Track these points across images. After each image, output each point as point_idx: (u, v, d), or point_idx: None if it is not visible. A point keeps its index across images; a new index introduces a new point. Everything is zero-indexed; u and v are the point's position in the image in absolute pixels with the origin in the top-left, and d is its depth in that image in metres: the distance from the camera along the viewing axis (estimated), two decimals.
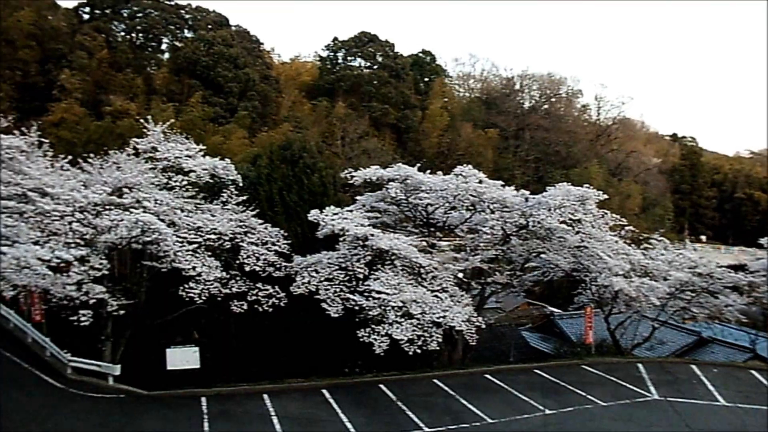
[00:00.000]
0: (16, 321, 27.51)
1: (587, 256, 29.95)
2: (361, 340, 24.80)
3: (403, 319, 24.95)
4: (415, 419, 22.54)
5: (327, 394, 24.77)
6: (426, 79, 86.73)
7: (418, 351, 25.04)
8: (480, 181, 29.75)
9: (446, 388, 25.92)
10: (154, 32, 72.74)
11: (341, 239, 27.88)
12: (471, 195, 28.96)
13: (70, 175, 26.86)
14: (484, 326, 27.81)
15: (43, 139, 30.20)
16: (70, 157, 29.25)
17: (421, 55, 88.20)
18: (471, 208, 29.93)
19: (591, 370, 29.06)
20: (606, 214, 31.11)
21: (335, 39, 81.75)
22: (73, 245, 21.47)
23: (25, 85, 55.86)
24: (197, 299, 25.74)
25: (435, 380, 26.94)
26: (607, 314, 32.65)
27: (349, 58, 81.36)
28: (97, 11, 71.89)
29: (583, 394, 25.61)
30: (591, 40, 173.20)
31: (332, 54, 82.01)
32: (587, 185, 30.93)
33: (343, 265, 27.46)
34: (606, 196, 31.33)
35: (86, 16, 71.66)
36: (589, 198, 29.79)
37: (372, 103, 74.04)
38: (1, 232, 19.14)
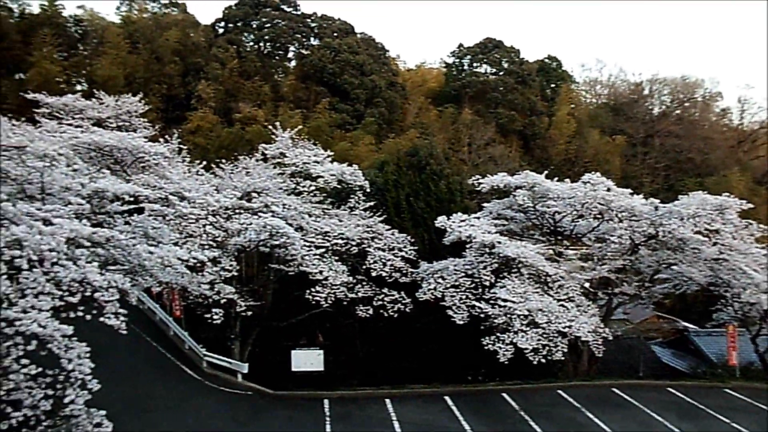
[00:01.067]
0: (161, 315, 29.47)
1: (727, 270, 27.99)
2: (486, 348, 24.59)
3: (528, 328, 24.59)
4: (539, 430, 22.07)
5: (449, 401, 24.72)
6: (552, 85, 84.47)
7: (543, 360, 24.61)
8: (608, 189, 28.83)
9: (571, 400, 25.26)
10: (281, 41, 75.23)
11: (468, 246, 27.86)
12: (599, 203, 28.09)
13: (205, 180, 28.39)
14: (610, 337, 26.86)
15: (181, 146, 32.20)
16: (204, 162, 30.96)
17: (547, 60, 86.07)
18: (599, 216, 28.98)
19: (735, 395, 27.18)
20: (751, 224, 28.98)
21: (460, 45, 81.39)
22: (206, 247, 22.55)
23: (170, 97, 59.57)
24: (323, 303, 26.38)
25: (559, 391, 26.34)
26: (754, 334, 30.28)
27: (474, 64, 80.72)
28: (230, 25, 75.56)
29: (727, 420, 23.82)
30: (735, 39, 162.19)
31: (458, 60, 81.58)
32: (726, 194, 29.03)
33: (470, 273, 27.45)
34: (751, 205, 29.24)
35: (221, 30, 75.58)
36: (729, 207, 27.97)
37: (498, 109, 72.98)
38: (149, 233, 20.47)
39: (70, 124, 33.50)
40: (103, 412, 14.28)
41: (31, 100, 38.08)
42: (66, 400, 13.64)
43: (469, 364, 28.29)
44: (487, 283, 26.89)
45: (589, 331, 25.57)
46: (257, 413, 22.94)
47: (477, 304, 26.02)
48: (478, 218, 29.50)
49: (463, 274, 27.55)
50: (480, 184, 30.97)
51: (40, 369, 13.55)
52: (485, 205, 32.12)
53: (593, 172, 29.98)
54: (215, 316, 24.02)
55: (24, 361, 13.24)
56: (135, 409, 20.83)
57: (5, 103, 44.52)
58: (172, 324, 28.62)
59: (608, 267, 28.47)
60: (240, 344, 27.53)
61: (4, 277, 13.14)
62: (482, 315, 25.61)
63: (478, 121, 67.08)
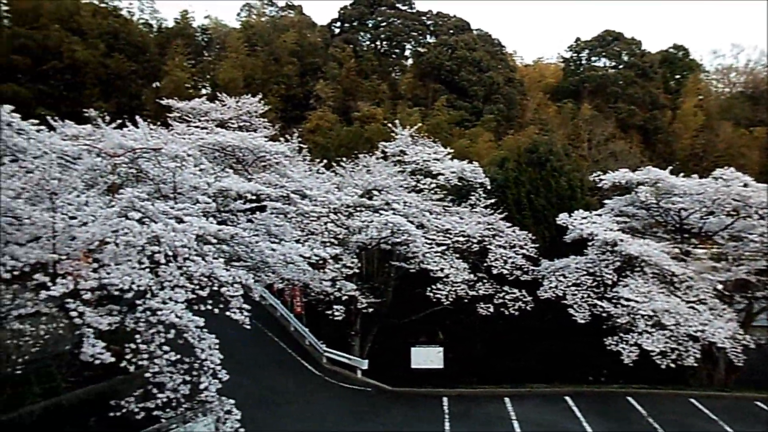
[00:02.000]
0: (282, 311, 30.37)
1: None
2: (609, 348, 23.65)
3: (654, 330, 23.46)
4: None
5: (570, 402, 24.05)
6: (677, 77, 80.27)
7: (672, 365, 23.26)
8: (745, 185, 26.85)
9: (706, 411, 23.74)
10: (397, 39, 75.93)
11: (590, 244, 26.97)
12: (733, 199, 26.29)
13: (325, 178, 28.87)
14: (752, 346, 24.94)
15: (301, 145, 32.97)
16: (324, 160, 31.55)
17: (672, 50, 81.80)
18: (733, 213, 27.14)
19: None
20: None
21: (578, 39, 79.05)
22: (328, 244, 22.84)
23: (288, 97, 61.38)
24: (444, 300, 26.25)
25: (692, 400, 24.89)
26: None
27: (593, 58, 78.29)
28: (346, 24, 77.04)
29: None
30: None
31: (575, 55, 79.37)
32: None
33: (591, 271, 26.67)
34: None
35: (337, 30, 77.18)
36: None
37: (618, 104, 70.26)
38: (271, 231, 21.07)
39: (197, 126, 35.22)
40: (233, 401, 14.82)
41: (165, 106, 40.46)
42: (201, 387, 14.35)
43: (590, 364, 27.43)
44: (610, 282, 26.01)
45: (725, 338, 23.94)
46: (376, 409, 23.10)
47: (599, 302, 25.15)
48: (600, 215, 28.45)
49: (584, 273, 26.84)
50: (601, 180, 29.88)
51: (178, 356, 14.38)
52: (607, 202, 30.93)
53: (725, 167, 28.00)
54: (336, 313, 24.42)
55: (165, 347, 14.11)
56: (258, 401, 21.57)
57: (144, 110, 47.48)
58: (293, 320, 29.37)
59: (746, 268, 26.56)
60: (360, 341, 27.88)
61: (147, 270, 13.89)
62: (605, 314, 24.73)
63: (597, 116, 64.77)
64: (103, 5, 63.27)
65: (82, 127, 28.09)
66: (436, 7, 75.82)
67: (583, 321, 25.53)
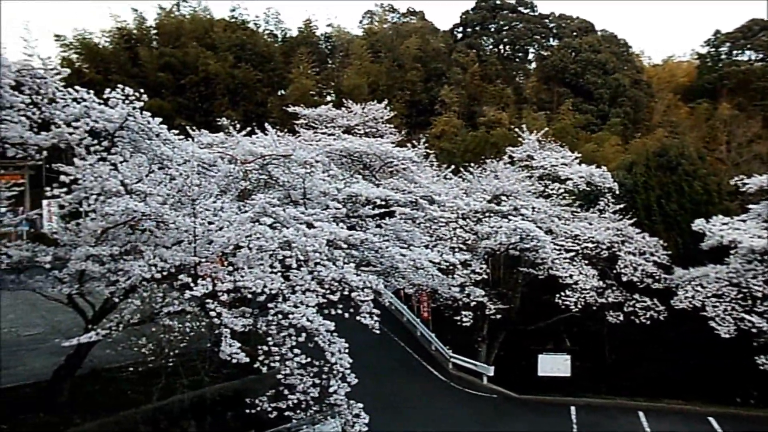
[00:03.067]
0: (408, 316, 30.43)
1: None
2: (762, 368, 21.88)
3: None
4: None
5: (714, 424, 22.48)
6: None
7: None
8: None
9: None
10: (520, 43, 74.71)
11: (732, 252, 25.08)
12: None
13: (453, 184, 28.71)
14: None
15: (428, 150, 32.96)
16: (452, 166, 31.37)
17: None
18: None
19: None
20: None
21: (717, 32, 74.12)
22: (456, 249, 22.64)
23: (413, 103, 61.52)
24: (572, 307, 25.47)
25: None
26: None
27: (734, 52, 72.91)
28: (468, 29, 76.59)
29: None
30: None
31: (713, 50, 74.37)
32: None
33: (735, 281, 24.71)
34: None
35: (459, 35, 76.88)
36: None
37: (765, 101, 65.04)
38: (401, 236, 21.09)
39: (324, 133, 36.05)
40: (361, 405, 14.89)
41: (291, 113, 41.74)
42: (330, 390, 14.54)
43: (736, 383, 25.35)
44: (759, 295, 23.99)
45: None
46: (502, 416, 22.69)
47: (747, 316, 23.35)
48: (744, 221, 26.36)
49: (727, 283, 24.93)
50: (745, 184, 27.72)
51: (308, 359, 14.64)
52: (752, 207, 28.64)
53: None
54: (465, 319, 24.15)
55: (296, 350, 14.41)
56: (385, 405, 21.52)
57: (271, 117, 49.21)
58: (420, 325, 29.34)
59: None
60: (487, 347, 27.45)
61: (279, 274, 14.23)
62: (754, 330, 22.93)
63: (739, 115, 60.26)
64: (233, 20, 66.53)
65: (216, 136, 29.48)
66: (559, 8, 73.81)
67: (727, 335, 23.73)
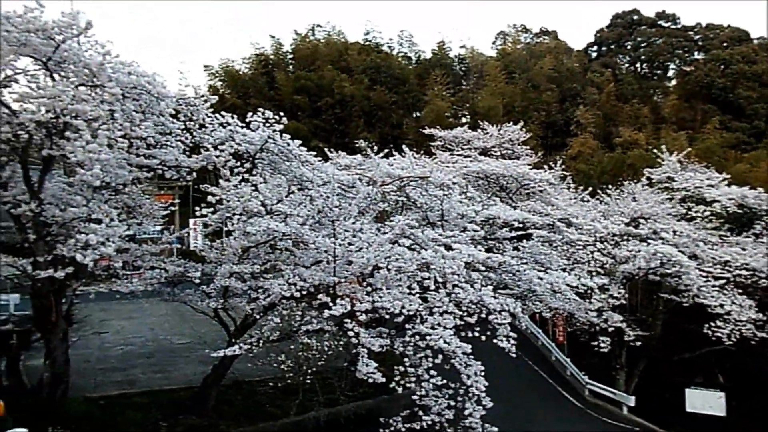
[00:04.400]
0: (543, 340, 29.75)
1: None
2: None
3: None
4: None
5: None
6: None
7: None
8: None
9: None
10: (659, 59, 71.62)
11: None
12: None
13: (590, 206, 27.94)
14: None
15: (565, 172, 32.30)
16: (589, 188, 30.54)
17: None
18: None
19: None
20: None
21: None
22: (594, 273, 21.89)
23: (548, 124, 60.48)
24: (725, 340, 23.75)
25: None
26: None
27: None
28: (603, 48, 74.44)
29: None
30: None
31: None
32: None
33: None
34: None
35: (594, 54, 74.88)
36: None
37: None
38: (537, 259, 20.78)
39: (460, 155, 36.17)
40: (496, 429, 14.66)
41: (427, 135, 42.22)
42: (465, 412, 14.39)
43: None
44: None
45: None
46: None
47: None
48: None
49: None
50: None
51: (444, 381, 14.62)
52: None
53: None
54: (602, 344, 23.28)
55: (432, 372, 14.43)
56: (519, 430, 21.09)
57: (407, 139, 50.03)
58: (554, 349, 28.60)
59: None
60: (626, 375, 26.29)
61: (417, 295, 14.38)
62: None
63: None
64: (367, 43, 68.35)
65: (353, 157, 30.35)
66: (706, 19, 69.52)
67: None
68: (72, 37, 14.48)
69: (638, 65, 72.90)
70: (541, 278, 17.81)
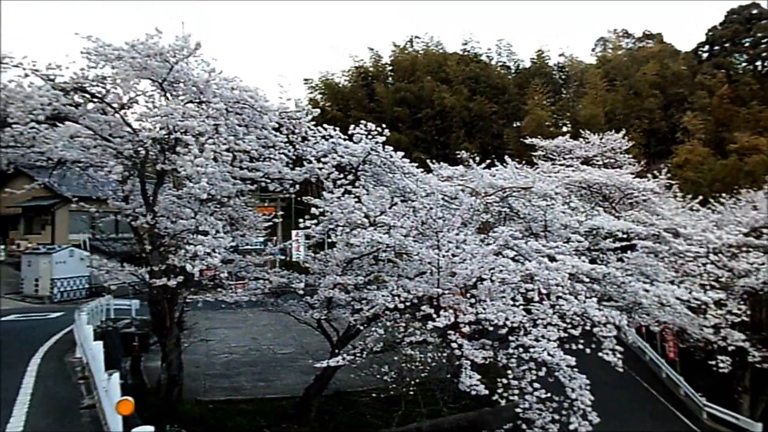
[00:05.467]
0: (651, 355, 28.55)
1: None
2: None
3: None
4: None
5: None
6: None
7: None
8: None
9: None
10: None
11: None
12: None
13: (701, 216, 26.68)
14: None
15: (671, 181, 31.08)
16: (699, 197, 29.22)
17: None
18: None
19: None
20: None
21: None
22: (708, 287, 20.82)
23: (651, 131, 58.20)
24: None
25: None
26: None
27: None
28: (715, 47, 70.37)
29: None
30: None
31: None
32: None
33: None
34: None
35: (705, 55, 71.14)
36: None
37: None
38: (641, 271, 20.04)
39: (561, 164, 35.46)
40: None
41: (528, 144, 41.68)
42: (570, 427, 14.08)
43: None
44: None
45: None
46: None
47: None
48: None
49: None
50: None
51: (548, 394, 14.34)
52: None
53: None
54: (721, 364, 21.98)
55: (536, 384, 14.21)
56: None
57: (507, 149, 49.59)
58: (665, 366, 27.34)
59: None
60: (750, 399, 24.64)
61: (521, 307, 14.23)
62: None
63: None
64: (465, 53, 68.25)
65: (455, 168, 30.31)
66: None
67: None
68: (183, 58, 15.36)
69: (759, 63, 68.19)
70: (647, 290, 17.16)
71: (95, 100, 16.09)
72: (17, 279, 40.94)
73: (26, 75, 15.26)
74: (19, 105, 14.61)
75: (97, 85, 15.91)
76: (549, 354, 13.76)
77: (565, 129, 53.22)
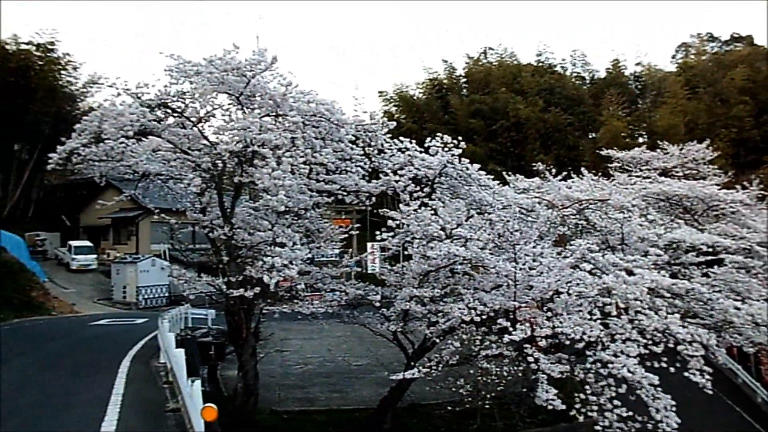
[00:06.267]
0: (743, 377, 27.16)
1: None
2: None
3: None
4: None
5: None
6: None
7: None
8: None
9: None
10: None
11: None
12: None
13: None
14: None
15: (765, 192, 29.76)
16: None
17: None
18: None
19: None
20: None
21: None
22: None
23: (740, 141, 55.48)
24: None
25: None
26: None
27: None
28: None
29: None
30: None
31: None
32: None
33: None
34: None
35: None
36: None
37: None
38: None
39: (638, 176, 34.53)
40: None
41: (603, 156, 40.79)
42: None
43: None
44: None
45: None
46: None
47: None
48: None
49: None
50: None
51: (630, 413, 13.79)
52: None
53: None
54: None
55: (616, 402, 13.68)
56: None
57: (583, 160, 48.67)
58: (760, 390, 25.89)
59: None
60: None
61: (598, 321, 13.90)
62: None
63: None
64: (540, 64, 67.53)
65: (531, 180, 29.97)
66: None
67: None
68: (260, 72, 15.80)
69: None
70: (738, 308, 16.43)
71: (175, 114, 16.80)
72: (108, 286, 43.17)
73: (118, 94, 16.12)
74: (112, 122, 15.44)
75: (178, 100, 16.60)
76: (629, 370, 13.30)
77: (641, 140, 51.80)
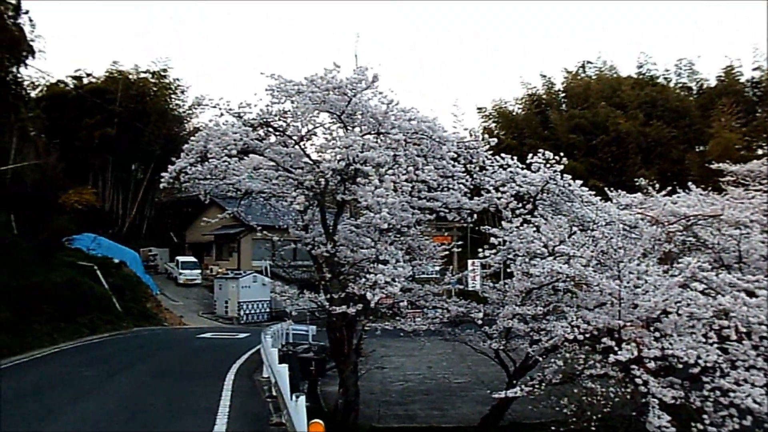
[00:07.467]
0: None
1: None
2: None
3: None
4: None
5: None
6: None
7: None
8: None
9: None
10: None
11: None
12: None
13: None
14: None
15: None
16: None
17: None
18: None
19: None
20: None
21: None
22: None
23: None
24: None
25: None
26: None
27: None
28: None
29: None
30: None
31: None
32: None
33: None
34: None
35: None
36: None
37: None
38: None
39: (757, 190, 32.46)
40: None
41: (714, 170, 38.62)
42: None
43: None
44: None
45: None
46: None
47: None
48: None
49: None
50: None
51: None
52: None
53: None
54: None
55: None
56: None
57: (689, 175, 46.37)
58: None
59: None
60: None
61: (715, 346, 13.04)
62: None
63: None
64: (640, 76, 65.12)
65: (633, 196, 28.76)
66: None
67: None
68: (361, 90, 15.93)
69: None
70: None
71: (277, 133, 17.17)
72: (211, 300, 44.88)
73: (221, 114, 16.68)
74: (216, 141, 15.98)
75: (279, 119, 16.97)
76: (754, 401, 12.30)
77: (760, 152, 48.80)
